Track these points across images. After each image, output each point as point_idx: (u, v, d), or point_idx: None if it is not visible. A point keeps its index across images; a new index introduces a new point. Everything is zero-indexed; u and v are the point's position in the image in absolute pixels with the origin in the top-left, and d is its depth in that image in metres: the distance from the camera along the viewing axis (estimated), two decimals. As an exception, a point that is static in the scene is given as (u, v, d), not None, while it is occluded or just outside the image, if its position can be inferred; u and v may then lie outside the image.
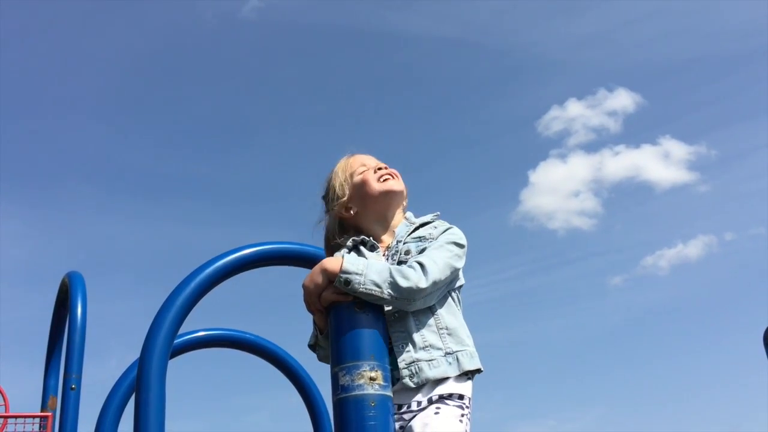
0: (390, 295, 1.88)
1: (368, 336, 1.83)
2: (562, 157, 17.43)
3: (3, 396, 5.25)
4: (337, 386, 1.79)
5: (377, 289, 1.87)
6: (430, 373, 1.97)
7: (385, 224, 2.28)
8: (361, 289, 1.86)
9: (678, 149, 16.62)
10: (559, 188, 17.17)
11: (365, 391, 1.75)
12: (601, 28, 18.59)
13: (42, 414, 4.81)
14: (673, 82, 18.58)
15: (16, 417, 4.73)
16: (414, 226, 2.23)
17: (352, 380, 1.76)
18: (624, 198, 17.31)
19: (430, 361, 1.98)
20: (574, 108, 17.29)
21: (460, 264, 2.11)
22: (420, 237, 2.17)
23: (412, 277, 1.92)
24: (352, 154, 2.43)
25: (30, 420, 4.74)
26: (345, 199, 2.32)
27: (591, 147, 17.38)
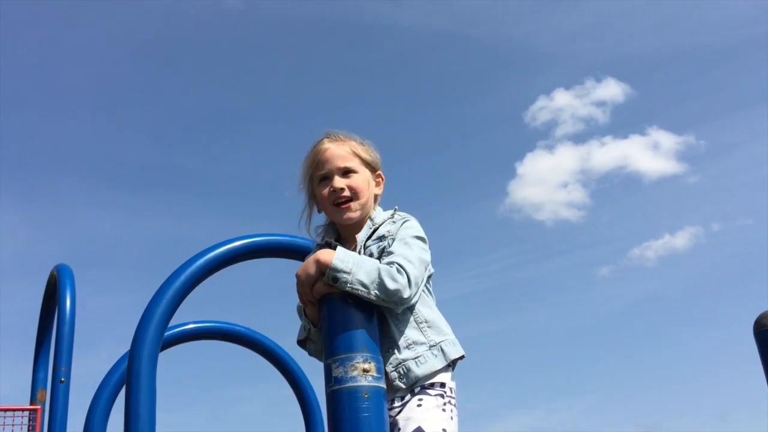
0: (377, 296, 1.87)
1: (361, 328, 1.83)
2: (550, 148, 17.45)
3: (-9, 389, 5.22)
4: (330, 378, 1.78)
5: (364, 289, 1.86)
6: (419, 370, 1.97)
7: (351, 229, 2.23)
8: (347, 288, 1.85)
9: (667, 140, 16.68)
10: (546, 180, 17.20)
11: (358, 383, 1.75)
12: (590, 21, 18.60)
13: (31, 407, 4.79)
14: (662, 73, 18.64)
15: (5, 410, 4.70)
16: (373, 228, 2.18)
17: (346, 372, 1.76)
18: (612, 189, 17.37)
19: (416, 358, 1.98)
20: (562, 98, 17.28)
21: (429, 257, 2.10)
22: (380, 237, 2.13)
23: (399, 281, 1.90)
24: (321, 141, 2.28)
25: (19, 413, 4.71)
26: (310, 194, 2.27)
27: (579, 138, 17.41)
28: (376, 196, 2.29)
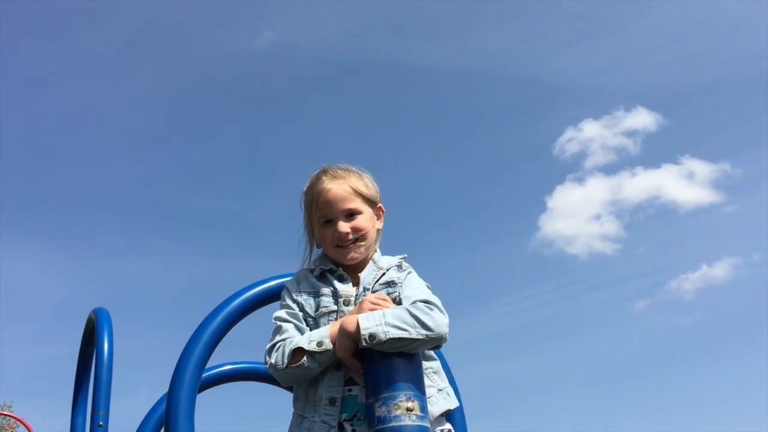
0: (419, 333, 1.81)
1: (404, 365, 1.79)
2: (580, 180, 17.27)
3: (31, 435, 5.24)
4: (373, 418, 1.74)
5: (404, 332, 1.79)
6: (432, 409, 1.95)
7: (351, 267, 2.19)
8: (389, 337, 1.78)
9: (701, 168, 16.42)
10: (578, 212, 16.99)
11: (402, 423, 1.70)
12: (619, 55, 18.62)
13: (70, 452, 4.78)
14: (694, 102, 18.50)
15: (44, 456, 4.71)
16: (381, 272, 2.15)
17: (389, 411, 1.71)
18: (647, 220, 17.12)
19: (428, 398, 1.94)
20: (591, 129, 17.15)
21: None
22: (389, 282, 2.10)
23: (434, 313, 1.86)
24: (321, 180, 2.23)
25: (58, 458, 4.72)
26: (310, 231, 2.26)
27: (609, 169, 17.24)
28: (378, 230, 2.27)
